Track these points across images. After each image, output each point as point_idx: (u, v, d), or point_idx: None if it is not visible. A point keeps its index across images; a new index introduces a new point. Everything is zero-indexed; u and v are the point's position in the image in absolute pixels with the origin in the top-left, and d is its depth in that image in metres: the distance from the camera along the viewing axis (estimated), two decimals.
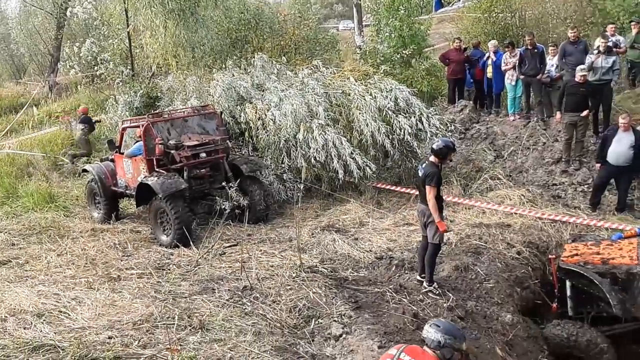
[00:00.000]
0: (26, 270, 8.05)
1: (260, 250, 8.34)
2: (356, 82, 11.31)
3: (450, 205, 9.62)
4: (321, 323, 6.20)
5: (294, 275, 7.20)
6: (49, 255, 8.58)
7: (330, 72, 12.00)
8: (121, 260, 8.22)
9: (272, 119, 10.72)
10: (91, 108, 16.63)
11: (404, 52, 14.25)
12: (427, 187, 6.57)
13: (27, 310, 6.40)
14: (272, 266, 7.68)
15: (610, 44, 10.77)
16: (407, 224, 8.98)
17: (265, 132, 10.88)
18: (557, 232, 8.84)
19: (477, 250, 8.01)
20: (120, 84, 14.53)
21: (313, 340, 5.92)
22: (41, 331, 5.86)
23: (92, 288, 7.08)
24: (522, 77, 11.77)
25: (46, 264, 8.25)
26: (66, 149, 14.75)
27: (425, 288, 6.86)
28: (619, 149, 9.03)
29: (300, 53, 15.94)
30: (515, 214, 9.32)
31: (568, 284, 7.21)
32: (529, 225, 8.91)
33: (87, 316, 6.21)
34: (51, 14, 26.48)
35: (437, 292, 6.80)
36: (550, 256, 7.63)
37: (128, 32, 15.21)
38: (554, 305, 7.43)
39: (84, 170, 11.38)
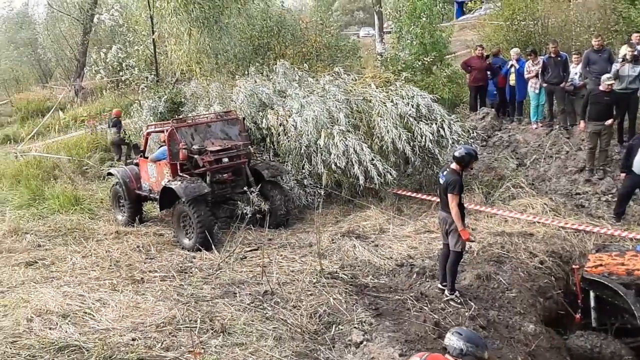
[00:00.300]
0: (52, 271, 8.20)
1: (281, 255, 8.39)
2: (377, 88, 11.33)
3: (472, 213, 9.57)
4: (342, 329, 6.22)
5: (314, 280, 7.24)
6: (74, 257, 8.73)
7: (352, 79, 12.05)
8: (144, 263, 8.33)
9: (293, 125, 10.79)
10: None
11: (425, 59, 14.25)
12: (450, 195, 6.55)
13: (52, 311, 6.51)
14: (292, 271, 7.72)
15: (636, 52, 10.66)
16: (428, 231, 8.96)
17: (287, 138, 10.95)
18: (581, 241, 8.75)
19: (500, 259, 7.95)
20: (145, 89, 14.76)
21: (333, 347, 5.94)
22: (66, 332, 5.96)
23: (116, 290, 7.19)
24: (545, 85, 11.69)
25: (71, 265, 8.40)
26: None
27: (447, 296, 6.84)
28: None
29: (321, 60, 16.00)
30: (538, 222, 9.24)
31: (592, 294, 7.14)
32: (552, 234, 8.84)
33: (111, 318, 6.31)
34: (78, 19, 27.06)
35: (459, 300, 6.77)
36: (573, 266, 7.55)
37: (153, 39, 15.44)
38: (578, 316, 7.34)
39: (109, 174, 11.58)
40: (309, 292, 6.94)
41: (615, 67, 10.62)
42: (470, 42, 18.95)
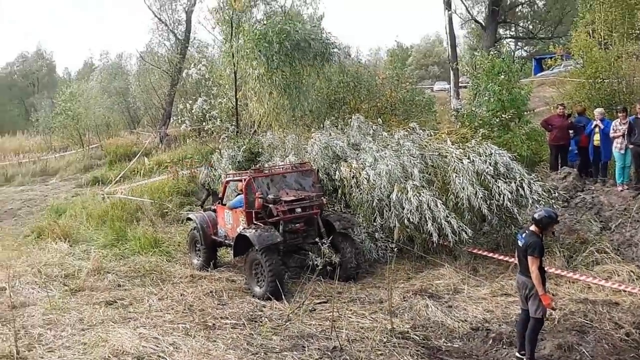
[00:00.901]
0: (129, 312, 8.50)
1: (350, 310, 8.30)
2: (453, 144, 11.24)
3: (552, 278, 9.13)
4: None
5: (384, 339, 7.08)
6: (150, 299, 9.04)
7: (427, 134, 12.04)
8: (217, 309, 8.48)
9: (366, 178, 10.85)
10: (197, 159, 17.67)
11: (503, 115, 14.03)
12: (530, 258, 6.32)
13: (128, 352, 6.71)
14: (362, 328, 7.60)
15: None
16: (505, 294, 8.60)
17: (359, 191, 11.00)
18: None
19: (582, 328, 7.48)
20: (226, 139, 15.40)
21: None
22: None
23: (189, 335, 7.33)
24: (631, 146, 11.19)
25: (148, 307, 8.68)
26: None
27: None
28: None
29: (396, 114, 16.13)
30: (624, 291, 8.65)
31: None
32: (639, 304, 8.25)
33: None
34: (167, 72, 28.89)
35: None
36: None
37: (236, 96, 16.22)
38: None
39: (188, 219, 12.01)
40: (379, 352, 6.78)
41: None
42: (549, 98, 18.56)
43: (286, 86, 14.46)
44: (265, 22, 15.33)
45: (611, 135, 11.50)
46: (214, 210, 11.24)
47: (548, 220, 6.45)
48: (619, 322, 7.69)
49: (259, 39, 14.26)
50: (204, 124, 17.04)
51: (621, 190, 11.53)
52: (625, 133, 11.25)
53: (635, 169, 11.54)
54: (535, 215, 6.54)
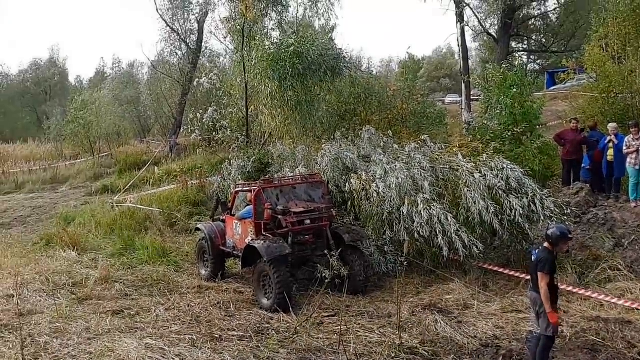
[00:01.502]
0: (136, 322, 8.45)
1: (359, 324, 8.20)
2: (464, 158, 11.16)
3: (564, 295, 8.97)
4: None
5: (392, 355, 6.98)
6: (157, 309, 8.99)
7: (438, 147, 11.97)
8: (224, 320, 8.41)
9: (376, 191, 10.77)
10: (206, 169, 17.69)
11: (515, 129, 13.93)
12: (540, 274, 6.24)
13: None
14: (370, 342, 7.49)
15: None
16: (516, 310, 8.46)
17: (369, 203, 10.93)
18: None
19: (594, 347, 7.33)
20: (236, 149, 15.43)
21: None
22: None
23: (195, 346, 7.26)
24: None
25: (155, 317, 8.63)
26: None
27: None
28: None
29: (407, 127, 16.08)
30: (637, 309, 8.49)
31: None
32: None
33: None
34: (178, 81, 29.06)
35: None
36: None
37: (247, 106, 16.29)
38: None
39: (197, 229, 11.99)
40: None
41: None
42: (562, 112, 18.44)
43: (297, 103, 14.50)
44: (277, 42, 15.42)
45: (624, 151, 11.36)
46: (223, 221, 11.21)
47: (559, 237, 6.36)
48: (632, 341, 7.53)
49: (271, 61, 14.34)
50: (214, 133, 17.09)
51: (635, 207, 11.37)
52: (639, 149, 11.11)
53: None
54: (548, 232, 6.46)
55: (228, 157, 15.57)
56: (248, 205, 10.35)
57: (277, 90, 14.42)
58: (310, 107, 14.64)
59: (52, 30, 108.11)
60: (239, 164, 13.89)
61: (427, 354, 7.11)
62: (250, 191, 10.23)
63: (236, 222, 10.47)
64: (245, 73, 15.80)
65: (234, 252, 10.64)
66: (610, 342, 7.46)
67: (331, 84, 15.09)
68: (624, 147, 11.37)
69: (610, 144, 11.84)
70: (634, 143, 11.24)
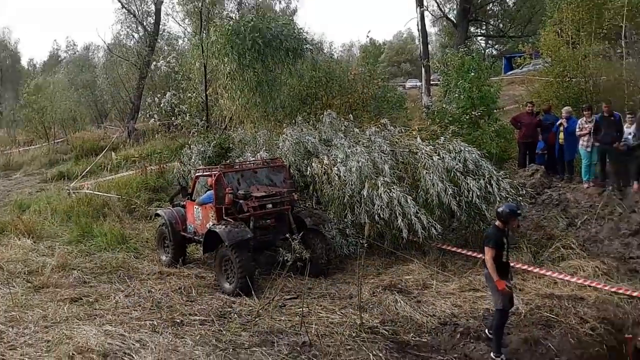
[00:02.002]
0: (95, 309, 8.31)
1: (320, 306, 8.28)
2: (423, 141, 11.32)
3: (519, 273, 9.28)
4: None
5: (354, 334, 7.09)
6: (117, 295, 8.86)
7: (398, 131, 12.09)
8: (185, 305, 8.36)
9: (337, 174, 10.86)
10: (166, 154, 17.39)
11: (472, 113, 14.19)
12: (485, 248, 6.59)
13: (93, 349, 6.55)
14: (332, 323, 7.59)
15: None
16: (473, 289, 8.69)
17: (330, 187, 11.00)
18: (635, 309, 8.29)
19: (548, 323, 7.63)
20: (196, 134, 15.22)
21: None
22: None
23: (156, 331, 7.21)
24: (597, 144, 11.43)
25: (114, 303, 8.50)
26: None
27: (492, 358, 6.57)
28: None
29: (368, 111, 16.16)
30: (589, 286, 8.85)
31: None
32: (604, 299, 8.42)
33: None
34: (135, 65, 28.38)
35: None
36: (626, 336, 7.15)
37: (206, 90, 16.05)
38: None
39: (157, 215, 11.82)
40: (348, 347, 6.79)
41: None
42: (519, 97, 18.82)
43: (258, 83, 14.38)
44: (237, 18, 15.22)
45: (577, 133, 11.72)
46: (183, 206, 11.09)
47: (508, 213, 6.65)
48: (584, 316, 7.87)
49: (230, 35, 14.11)
50: (173, 118, 16.80)
51: (587, 188, 11.77)
52: (592, 131, 11.48)
53: (601, 167, 11.79)
54: (498, 210, 6.76)
55: (188, 142, 15.35)
56: (209, 190, 10.25)
57: (236, 69, 14.23)
58: (271, 89, 14.54)
59: (2, 12, 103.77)
60: (199, 149, 13.71)
61: (387, 333, 7.26)
62: (210, 176, 10.13)
63: (197, 207, 10.37)
64: (203, 55, 15.51)
65: (195, 238, 10.55)
66: (563, 318, 7.77)
67: (292, 65, 14.99)
68: (577, 130, 11.73)
69: (561, 128, 12.19)
70: (586, 126, 11.60)
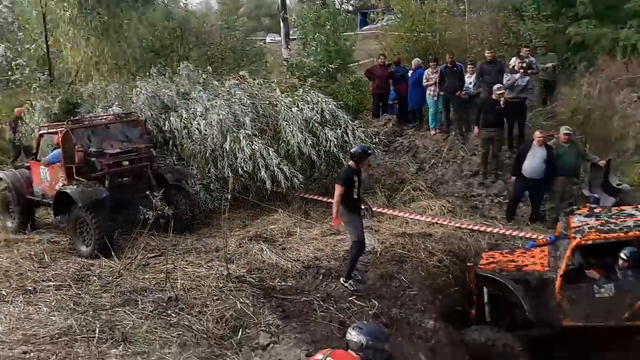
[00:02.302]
0: None
1: (186, 261, 8.17)
2: (283, 93, 11.42)
3: (375, 216, 9.85)
4: (248, 333, 6.18)
5: (220, 285, 7.12)
6: None
7: (257, 83, 12.03)
8: (37, 272, 7.77)
9: (197, 129, 10.62)
10: (5, 114, 15.65)
11: (329, 66, 14.55)
12: (336, 186, 6.99)
13: None
14: (198, 277, 7.54)
15: (525, 64, 11.51)
16: (334, 233, 9.09)
17: (191, 142, 10.76)
18: (476, 241, 9.28)
19: (401, 258, 8.25)
20: (38, 89, 13.82)
21: (240, 351, 5.88)
22: None
23: (5, 301, 6.68)
24: (442, 93, 12.30)
25: None
26: None
27: (342, 283, 7.14)
28: (533, 163, 9.61)
29: (227, 63, 15.86)
30: (437, 223, 9.69)
31: (485, 290, 7.55)
32: (450, 234, 9.30)
33: (0, 330, 5.85)
34: None
35: (353, 288, 7.09)
36: (468, 264, 7.94)
37: (47, 41, 14.59)
38: (473, 311, 7.74)
39: None
40: (215, 297, 6.82)
41: (508, 77, 11.41)
42: (373, 51, 19.54)
43: (104, 30, 13.36)
44: None
45: (424, 84, 12.50)
46: (28, 168, 10.17)
47: (360, 153, 7.11)
48: (433, 251, 8.61)
49: None
50: (9, 73, 15.11)
51: (434, 134, 12.71)
52: (437, 81, 12.30)
53: (445, 115, 12.75)
54: (351, 151, 7.25)
55: (29, 99, 13.94)
56: (55, 148, 9.49)
57: (77, 14, 13.07)
58: (119, 38, 13.60)
59: None
60: (42, 106, 12.53)
61: (254, 280, 7.38)
62: (56, 133, 9.36)
63: (43, 167, 9.56)
64: (41, 4, 13.99)
65: (44, 201, 9.76)
66: (414, 254, 8.44)
67: (142, 14, 14.13)
68: (424, 80, 12.50)
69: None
70: (432, 76, 12.39)
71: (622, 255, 6.88)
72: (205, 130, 10.52)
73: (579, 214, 7.50)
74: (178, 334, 6.00)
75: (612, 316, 6.80)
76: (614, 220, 7.05)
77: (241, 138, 10.23)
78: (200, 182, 10.72)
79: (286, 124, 10.54)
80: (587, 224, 7.10)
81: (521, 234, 9.31)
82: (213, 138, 10.44)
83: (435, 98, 12.43)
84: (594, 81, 13.03)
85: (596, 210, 7.63)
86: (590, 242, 6.87)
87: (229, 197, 10.23)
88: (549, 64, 12.42)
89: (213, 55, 16.03)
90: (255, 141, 10.24)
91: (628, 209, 7.50)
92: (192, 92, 11.66)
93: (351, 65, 16.09)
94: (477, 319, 7.62)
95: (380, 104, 14.09)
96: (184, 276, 7.52)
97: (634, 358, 7.00)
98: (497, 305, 7.51)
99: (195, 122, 10.71)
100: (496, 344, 7.02)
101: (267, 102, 11.27)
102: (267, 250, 8.36)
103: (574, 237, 6.88)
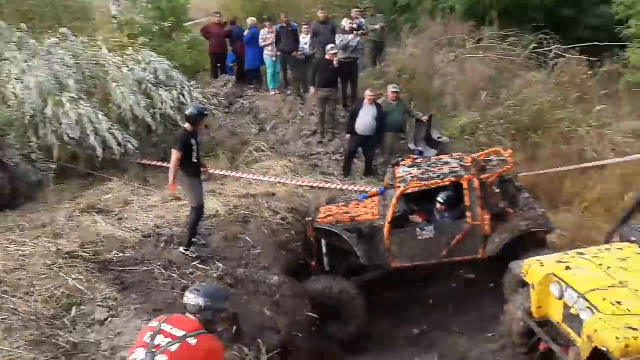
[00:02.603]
0: None
1: (8, 240, 7.39)
2: (110, 53, 10.66)
3: (218, 179, 9.77)
4: (83, 310, 5.83)
5: (49, 263, 6.58)
6: None
7: (81, 42, 11.06)
8: None
9: (13, 93, 9.52)
10: None
11: (163, 24, 13.85)
12: (172, 151, 6.73)
13: None
14: (22, 256, 6.88)
15: (355, 25, 11.96)
16: (175, 199, 8.80)
17: (7, 108, 9.63)
18: (316, 197, 9.64)
19: (245, 219, 8.30)
20: None
21: (75, 329, 5.54)
22: None
23: None
24: (279, 53, 12.37)
25: None
26: None
27: (182, 251, 7.03)
28: (365, 120, 10.16)
29: (45, 20, 14.32)
30: (279, 183, 9.87)
31: (323, 242, 7.92)
32: (292, 193, 9.54)
33: None
34: None
35: (195, 255, 7.01)
36: (308, 219, 8.24)
37: None
38: (313, 263, 8.09)
39: None
40: (44, 276, 6.30)
41: (341, 37, 11.77)
42: (211, 10, 18.97)
43: None
44: None
45: (261, 44, 12.44)
46: None
47: (196, 114, 6.84)
48: (276, 209, 8.78)
49: None
50: None
51: (273, 95, 12.80)
52: (274, 42, 12.31)
53: (283, 75, 12.88)
54: (186, 113, 6.94)
55: None
56: None
57: None
58: None
59: None
60: None
61: (88, 255, 6.93)
62: None
63: None
64: None
65: None
66: (258, 213, 8.53)
67: None
68: (261, 41, 12.42)
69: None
70: (268, 37, 12.37)
71: (439, 199, 7.66)
72: (23, 94, 9.46)
73: (404, 165, 8.13)
74: (2, 319, 5.49)
75: (432, 255, 7.56)
76: (432, 169, 7.76)
77: (65, 102, 9.38)
78: (21, 153, 9.69)
79: (116, 86, 9.87)
80: (410, 173, 7.72)
81: (356, 188, 9.86)
82: (32, 103, 9.43)
83: (274, 58, 12.47)
84: (418, 42, 14.00)
85: (418, 161, 8.34)
86: (412, 189, 7.50)
87: (55, 167, 9.47)
88: (378, 25, 13.05)
89: (29, 11, 14.35)
90: (82, 105, 9.46)
91: (445, 158, 8.30)
92: (5, 53, 10.38)
93: (187, 24, 15.47)
94: (318, 270, 7.99)
95: (219, 65, 13.79)
96: (7, 256, 6.82)
97: (452, 290, 7.91)
98: (334, 255, 7.92)
99: (10, 86, 9.58)
100: (333, 291, 7.46)
101: (94, 63, 10.43)
102: (102, 222, 7.87)
103: (399, 187, 7.45)
